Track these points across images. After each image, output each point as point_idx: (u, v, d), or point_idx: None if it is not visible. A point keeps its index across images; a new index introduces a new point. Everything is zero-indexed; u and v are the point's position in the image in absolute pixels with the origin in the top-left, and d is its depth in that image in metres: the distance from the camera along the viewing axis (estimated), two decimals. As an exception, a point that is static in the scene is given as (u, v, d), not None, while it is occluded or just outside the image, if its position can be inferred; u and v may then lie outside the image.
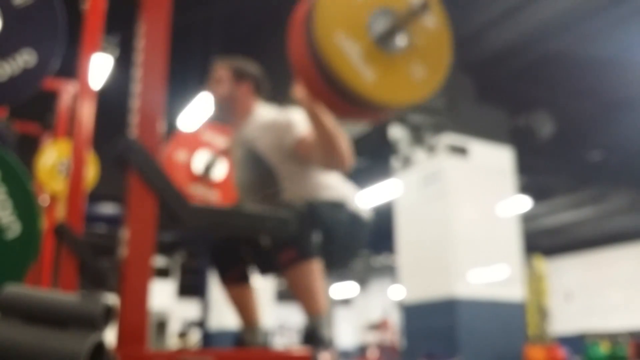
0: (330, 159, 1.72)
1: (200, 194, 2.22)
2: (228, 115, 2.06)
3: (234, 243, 1.99)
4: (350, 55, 1.24)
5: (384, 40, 1.28)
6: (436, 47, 1.36)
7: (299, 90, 1.60)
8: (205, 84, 2.11)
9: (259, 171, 1.94)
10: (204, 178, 2.24)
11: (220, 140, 2.29)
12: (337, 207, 1.84)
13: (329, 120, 1.63)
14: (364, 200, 1.97)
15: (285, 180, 1.89)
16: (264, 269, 2.01)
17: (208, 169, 2.25)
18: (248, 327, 1.98)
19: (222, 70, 2.06)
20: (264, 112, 2.01)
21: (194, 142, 2.29)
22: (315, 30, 1.23)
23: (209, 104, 2.08)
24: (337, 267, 1.89)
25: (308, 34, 1.26)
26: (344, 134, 1.69)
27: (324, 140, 1.66)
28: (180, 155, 2.25)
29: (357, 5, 1.28)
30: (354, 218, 1.87)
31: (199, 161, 2.25)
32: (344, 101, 1.30)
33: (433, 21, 1.35)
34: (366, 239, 1.93)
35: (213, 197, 2.25)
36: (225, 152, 2.24)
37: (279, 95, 2.13)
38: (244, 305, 1.99)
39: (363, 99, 1.26)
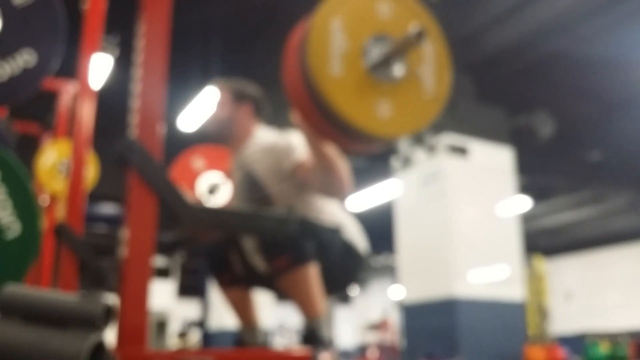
0: (329, 185, 1.67)
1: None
2: (228, 137, 2.01)
3: (223, 249, 1.98)
4: (344, 85, 1.21)
5: (379, 69, 1.24)
6: (434, 77, 1.31)
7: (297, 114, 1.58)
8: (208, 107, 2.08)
9: (255, 196, 1.89)
10: (207, 200, 2.22)
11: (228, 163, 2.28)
12: (333, 231, 1.80)
13: (329, 146, 1.57)
14: (361, 237, 1.90)
15: (281, 206, 1.82)
16: (250, 282, 1.99)
17: (212, 192, 2.21)
18: (247, 328, 1.98)
19: (221, 92, 2.02)
20: (264, 135, 1.97)
21: (210, 159, 2.27)
22: (308, 59, 1.19)
23: (208, 126, 2.05)
24: (329, 292, 1.81)
25: (302, 62, 1.22)
26: (343, 160, 1.64)
27: (323, 166, 1.61)
28: (196, 164, 2.23)
29: (352, 33, 1.24)
30: (349, 247, 1.83)
31: (204, 183, 2.23)
32: (338, 132, 1.26)
33: (431, 49, 1.31)
34: (360, 271, 1.88)
35: None
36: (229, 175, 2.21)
37: (282, 106, 2.11)
38: (241, 307, 1.99)
39: (357, 130, 1.22)
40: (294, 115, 1.53)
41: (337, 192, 1.69)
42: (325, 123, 1.26)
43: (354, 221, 1.94)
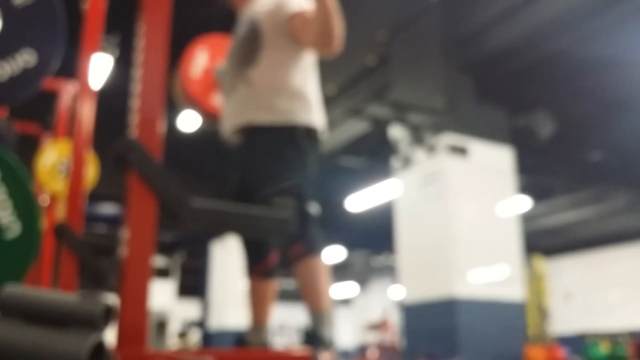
0: (322, 37, 1.75)
1: (215, 102, 2.22)
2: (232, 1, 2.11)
3: (265, 239, 2.00)
4: None
5: None
6: None
7: None
8: None
9: (248, 36, 1.95)
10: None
11: None
12: (308, 134, 1.87)
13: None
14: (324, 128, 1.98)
15: (266, 52, 1.89)
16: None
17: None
18: (256, 326, 1.98)
19: None
20: None
21: (217, 48, 2.30)
22: None
23: None
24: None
25: None
26: (340, 16, 1.74)
27: (322, 15, 1.70)
28: (201, 59, 2.26)
29: None
30: (309, 134, 1.89)
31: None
32: None
33: None
34: (316, 151, 1.94)
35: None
36: None
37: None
38: (261, 302, 1.98)
39: None
40: None
41: (328, 44, 1.77)
42: None
43: (319, 97, 1.99)
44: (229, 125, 1.95)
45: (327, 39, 1.75)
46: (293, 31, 1.88)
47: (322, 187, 2.48)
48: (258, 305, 1.99)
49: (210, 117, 2.23)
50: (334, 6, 1.71)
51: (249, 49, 1.93)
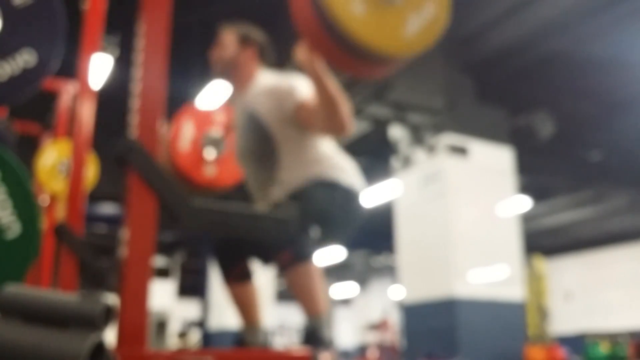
0: (331, 123, 1.72)
1: (206, 174, 2.22)
2: (231, 78, 2.07)
3: (236, 239, 1.99)
4: (352, 8, 1.27)
5: None
6: (433, 3, 1.39)
7: (301, 51, 1.61)
8: (210, 50, 2.11)
9: (258, 137, 1.93)
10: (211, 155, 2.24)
11: (227, 118, 2.29)
12: (332, 187, 1.84)
13: (332, 82, 1.64)
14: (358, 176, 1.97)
15: (283, 149, 1.89)
16: (266, 259, 2.01)
17: (216, 147, 2.23)
18: (249, 327, 1.98)
19: (227, 34, 2.07)
20: (266, 78, 2.01)
21: (203, 118, 2.29)
22: None
23: (213, 64, 2.09)
24: (335, 242, 1.92)
25: None
26: (345, 98, 1.69)
27: (326, 103, 1.66)
28: (188, 130, 2.24)
29: None
30: (348, 194, 1.88)
31: (206, 140, 2.25)
32: (345, 51, 1.32)
33: None
34: (361, 210, 1.94)
35: (211, 173, 2.23)
36: (230, 128, 2.24)
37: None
38: (245, 304, 1.98)
39: (361, 46, 1.28)
40: (297, 55, 1.59)
41: (338, 129, 1.73)
42: (332, 43, 1.32)
43: (350, 161, 1.98)
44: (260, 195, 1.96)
45: (335, 125, 1.71)
46: (300, 122, 1.85)
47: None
48: (244, 308, 1.99)
49: (203, 188, 2.21)
50: (336, 92, 1.65)
51: (265, 152, 1.92)
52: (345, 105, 1.69)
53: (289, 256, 1.70)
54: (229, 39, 2.05)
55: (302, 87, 1.83)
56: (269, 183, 1.93)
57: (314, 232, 1.74)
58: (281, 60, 2.09)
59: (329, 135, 1.87)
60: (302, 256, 1.70)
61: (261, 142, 1.92)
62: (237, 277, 1.98)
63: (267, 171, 1.93)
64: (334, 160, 1.91)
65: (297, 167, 1.88)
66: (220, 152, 2.24)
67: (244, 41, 2.04)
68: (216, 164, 2.24)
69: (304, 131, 1.88)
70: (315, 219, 1.76)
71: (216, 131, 2.27)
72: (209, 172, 2.22)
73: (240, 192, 2.16)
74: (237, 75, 2.04)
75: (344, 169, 1.91)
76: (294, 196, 1.82)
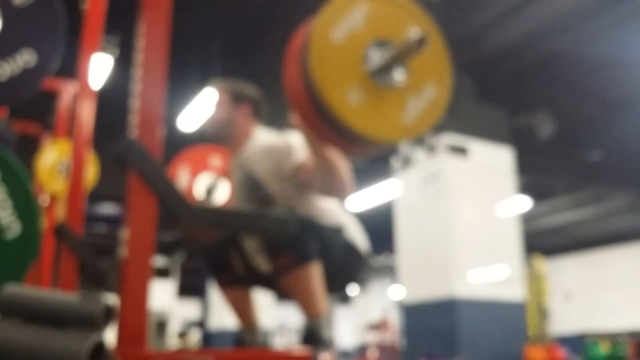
0: (330, 185, 1.66)
1: None
2: (227, 139, 2.00)
3: (223, 248, 1.98)
4: (344, 89, 1.21)
5: (381, 74, 1.24)
6: (434, 81, 1.31)
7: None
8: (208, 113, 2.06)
9: (256, 197, 1.89)
10: (206, 201, 2.20)
11: (223, 162, 2.25)
12: (336, 230, 1.81)
13: (328, 147, 1.57)
14: (361, 233, 1.92)
15: (283, 206, 1.83)
16: (251, 282, 1.99)
17: (209, 192, 2.19)
18: (247, 328, 1.98)
19: (220, 93, 2.01)
20: (263, 136, 1.96)
21: (198, 163, 2.24)
22: (309, 62, 1.19)
23: (207, 127, 2.03)
24: (330, 291, 1.82)
25: (303, 65, 1.23)
26: (344, 160, 1.64)
27: (323, 166, 1.61)
28: (183, 176, 2.21)
29: (353, 38, 1.24)
30: (351, 246, 1.84)
31: (200, 184, 2.21)
32: (337, 135, 1.27)
33: (432, 53, 1.31)
34: (361, 271, 1.89)
35: None
36: (227, 174, 2.19)
37: (281, 106, 2.11)
38: (241, 308, 1.99)
39: (356, 134, 1.22)
40: (294, 117, 1.52)
41: (338, 191, 1.69)
42: (325, 127, 1.26)
43: (355, 221, 1.94)
44: None
45: (334, 188, 1.67)
46: (300, 181, 1.80)
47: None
48: (239, 310, 1.99)
49: (199, 238, 2.15)
50: (334, 156, 1.59)
51: (259, 200, 1.88)
52: (343, 167, 1.63)
53: (289, 259, 1.67)
54: (221, 98, 1.99)
55: (301, 146, 1.77)
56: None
57: (314, 243, 1.71)
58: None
59: (329, 196, 1.81)
60: (303, 258, 1.67)
61: (260, 202, 1.87)
62: (229, 282, 1.98)
63: None
64: (335, 216, 1.86)
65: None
66: (213, 196, 2.19)
67: (237, 99, 1.99)
68: None
69: (303, 188, 1.83)
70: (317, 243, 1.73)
71: (211, 177, 2.22)
72: None
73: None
74: (232, 135, 1.98)
75: (345, 225, 1.86)
76: None
